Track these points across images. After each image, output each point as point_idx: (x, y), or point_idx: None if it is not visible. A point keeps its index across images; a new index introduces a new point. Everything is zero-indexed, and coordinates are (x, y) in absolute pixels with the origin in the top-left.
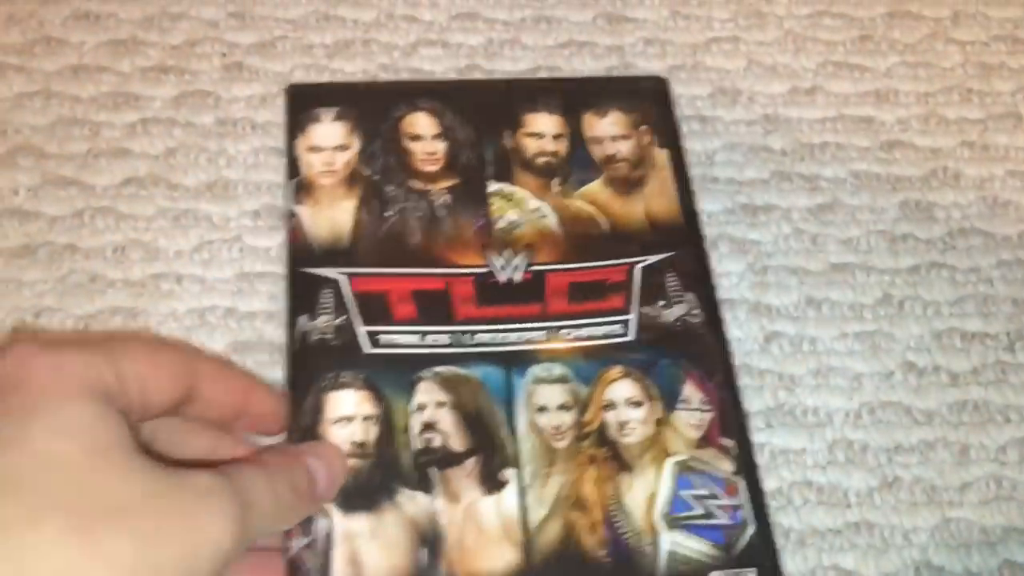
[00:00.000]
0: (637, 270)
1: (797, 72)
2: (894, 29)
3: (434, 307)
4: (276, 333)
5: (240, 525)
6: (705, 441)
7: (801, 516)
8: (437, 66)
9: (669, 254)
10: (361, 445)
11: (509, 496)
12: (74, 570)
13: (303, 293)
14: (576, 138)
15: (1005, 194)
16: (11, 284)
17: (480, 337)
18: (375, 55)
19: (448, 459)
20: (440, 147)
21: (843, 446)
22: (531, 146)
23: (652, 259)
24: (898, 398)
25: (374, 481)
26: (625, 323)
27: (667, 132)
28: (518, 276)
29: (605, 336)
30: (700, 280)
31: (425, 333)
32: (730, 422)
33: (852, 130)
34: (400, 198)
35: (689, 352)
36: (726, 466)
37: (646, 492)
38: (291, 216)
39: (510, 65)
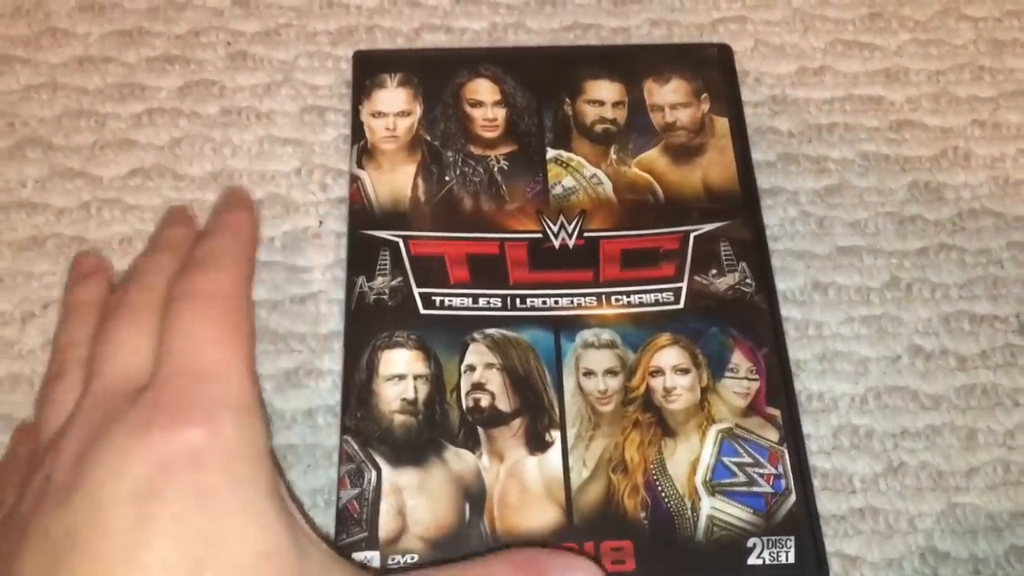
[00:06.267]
0: (691, 238)
1: (805, 52)
2: (904, 6)
3: (488, 271)
4: (280, 323)
5: None
6: (751, 410)
7: None
8: None
9: (724, 223)
10: (412, 403)
11: (553, 456)
12: None
13: (362, 254)
14: (636, 105)
15: (1016, 174)
16: (20, 276)
17: (532, 301)
18: (379, 41)
19: (495, 419)
20: (500, 113)
21: (848, 431)
22: (590, 113)
23: (706, 228)
24: (905, 383)
25: (422, 438)
26: (676, 291)
27: (729, 101)
28: (571, 242)
29: (655, 303)
30: (754, 249)
31: (478, 296)
32: (777, 392)
33: (861, 110)
34: (459, 164)
35: (739, 321)
36: (771, 435)
37: (689, 458)
38: (353, 180)
39: None
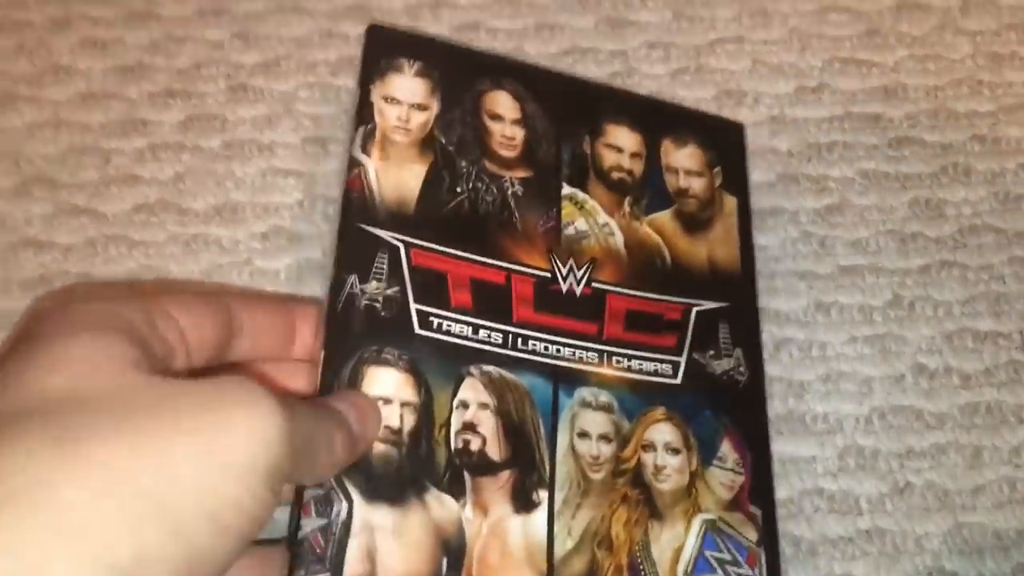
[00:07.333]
0: (693, 313)
1: (803, 70)
2: (902, 21)
3: (492, 301)
4: None
5: (289, 425)
6: (734, 504)
7: (812, 525)
8: None
9: (725, 304)
10: (396, 432)
11: (539, 519)
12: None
13: (356, 251)
14: (652, 162)
15: (1017, 188)
16: None
17: (534, 344)
18: None
19: (484, 466)
20: (519, 133)
21: (854, 452)
22: (608, 158)
23: (709, 305)
24: (909, 402)
25: (404, 473)
26: (675, 365)
27: (737, 180)
28: (579, 289)
29: (655, 373)
30: (749, 338)
31: (479, 327)
32: (760, 489)
33: (860, 128)
34: (473, 177)
35: (731, 410)
36: (751, 534)
37: (673, 544)
38: (354, 165)
39: None
